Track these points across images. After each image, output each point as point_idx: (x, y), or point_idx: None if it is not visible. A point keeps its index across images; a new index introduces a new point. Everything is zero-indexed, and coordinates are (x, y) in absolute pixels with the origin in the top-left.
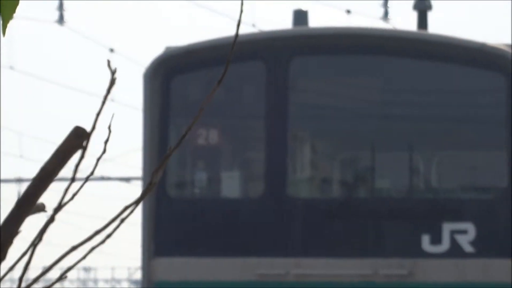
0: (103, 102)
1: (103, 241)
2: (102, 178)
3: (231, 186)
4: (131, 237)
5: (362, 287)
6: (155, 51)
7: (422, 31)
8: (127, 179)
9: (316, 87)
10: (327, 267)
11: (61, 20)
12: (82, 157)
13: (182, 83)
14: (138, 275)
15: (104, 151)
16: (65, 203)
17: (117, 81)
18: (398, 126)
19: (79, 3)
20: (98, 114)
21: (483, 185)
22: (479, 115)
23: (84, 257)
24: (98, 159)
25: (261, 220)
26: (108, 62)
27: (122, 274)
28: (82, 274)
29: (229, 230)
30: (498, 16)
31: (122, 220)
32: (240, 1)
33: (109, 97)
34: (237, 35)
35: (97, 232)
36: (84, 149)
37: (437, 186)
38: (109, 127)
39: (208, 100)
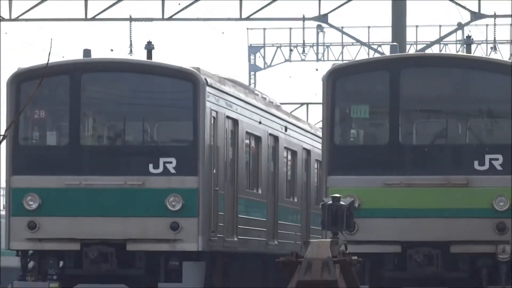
0: None
1: None
2: None
3: (51, 139)
4: (1, 163)
5: (117, 191)
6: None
7: (148, 60)
8: None
9: (97, 89)
10: (101, 180)
11: None
12: None
13: (29, 87)
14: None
15: None
16: None
17: None
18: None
19: None
20: None
21: (183, 139)
22: (177, 105)
23: None
24: None
25: (68, 157)
26: None
27: None
28: None
29: (51, 162)
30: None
31: None
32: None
33: None
34: (47, 63)
35: None
36: None
37: (157, 140)
38: None
39: (31, 96)
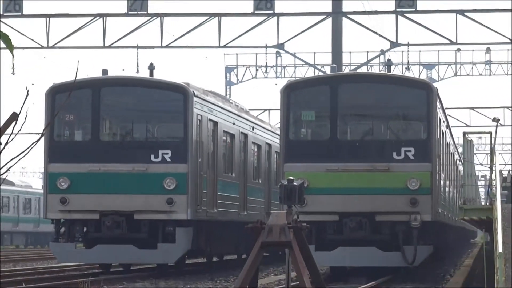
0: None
1: (26, 153)
2: (30, 133)
3: (78, 136)
4: (41, 154)
5: (127, 175)
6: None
7: (150, 77)
8: (37, 133)
9: (113, 99)
10: (115, 167)
11: None
12: (15, 124)
13: (61, 97)
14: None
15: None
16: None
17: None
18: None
19: None
20: (21, 108)
21: (176, 136)
22: (172, 110)
23: (21, 158)
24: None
25: (90, 149)
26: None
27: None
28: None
29: (78, 153)
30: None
31: (32, 147)
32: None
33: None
34: (75, 79)
35: (22, 153)
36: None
37: (157, 137)
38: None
39: (63, 104)
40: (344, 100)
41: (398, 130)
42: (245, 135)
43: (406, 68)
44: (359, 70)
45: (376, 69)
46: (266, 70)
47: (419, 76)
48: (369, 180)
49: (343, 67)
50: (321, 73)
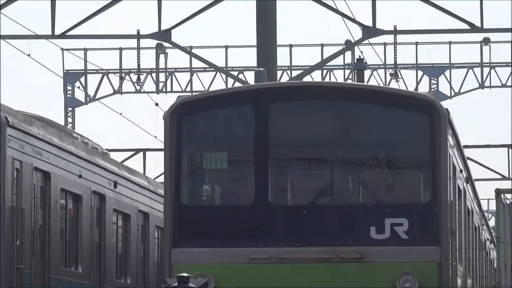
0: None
1: None
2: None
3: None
4: None
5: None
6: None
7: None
8: None
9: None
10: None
11: None
12: None
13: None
14: None
15: None
16: None
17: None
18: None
19: None
20: None
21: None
22: None
23: None
24: None
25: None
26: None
27: None
28: None
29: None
30: None
31: None
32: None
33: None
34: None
35: None
36: None
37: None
38: None
39: None
40: (280, 132)
41: (378, 186)
42: (102, 197)
43: (391, 75)
44: (306, 78)
45: (338, 76)
46: (139, 78)
47: (416, 89)
48: (327, 277)
49: (279, 73)
50: (238, 84)
